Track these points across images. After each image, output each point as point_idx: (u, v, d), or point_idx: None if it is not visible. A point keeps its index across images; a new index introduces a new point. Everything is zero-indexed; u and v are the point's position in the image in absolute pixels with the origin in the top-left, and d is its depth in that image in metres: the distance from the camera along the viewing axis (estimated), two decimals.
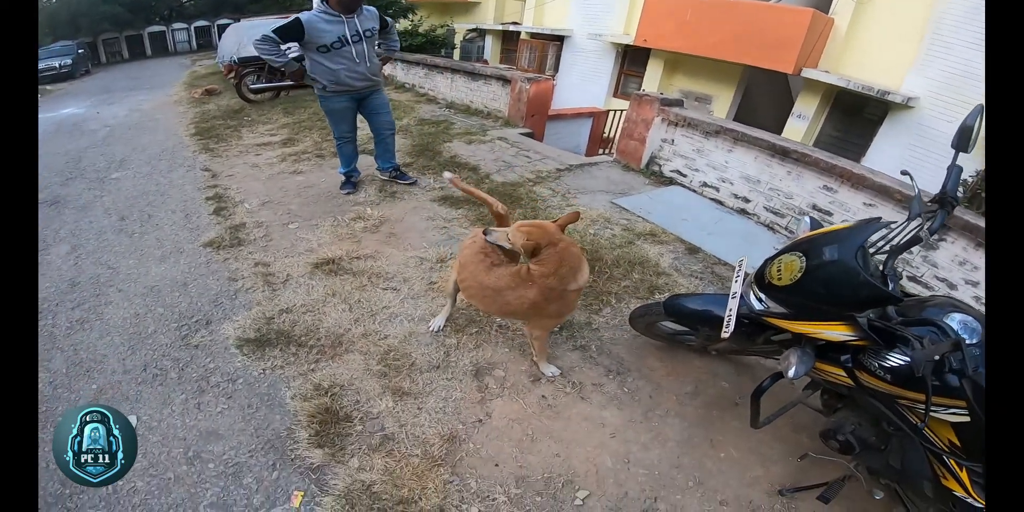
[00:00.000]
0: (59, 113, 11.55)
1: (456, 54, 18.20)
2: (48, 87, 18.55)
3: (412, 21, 14.98)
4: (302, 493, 2.27)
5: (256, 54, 9.93)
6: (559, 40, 16.27)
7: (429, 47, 13.94)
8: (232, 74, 10.24)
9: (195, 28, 34.81)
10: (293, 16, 4.29)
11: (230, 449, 2.49)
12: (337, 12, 4.21)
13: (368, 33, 4.39)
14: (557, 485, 2.24)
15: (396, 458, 2.36)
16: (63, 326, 3.49)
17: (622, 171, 5.68)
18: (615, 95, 15.12)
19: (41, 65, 23.79)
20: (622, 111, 9.22)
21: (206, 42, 33.45)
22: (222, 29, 31.08)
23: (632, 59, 14.63)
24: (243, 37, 12.59)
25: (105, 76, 23.33)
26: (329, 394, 2.70)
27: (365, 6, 4.38)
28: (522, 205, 4.47)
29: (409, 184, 5.28)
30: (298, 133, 7.44)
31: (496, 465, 2.33)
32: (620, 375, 2.77)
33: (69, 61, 24.00)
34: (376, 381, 2.78)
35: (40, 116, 11.78)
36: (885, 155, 10.30)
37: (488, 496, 2.20)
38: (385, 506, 2.16)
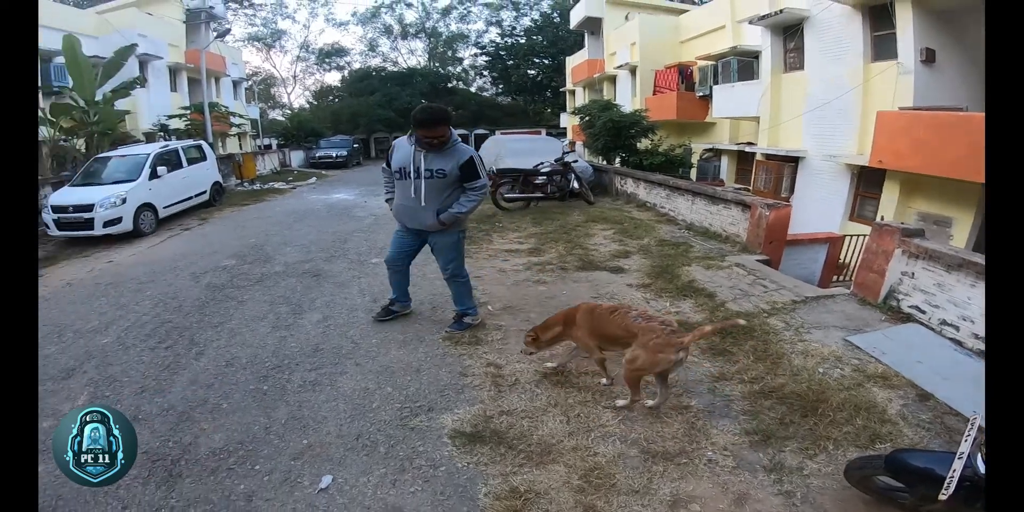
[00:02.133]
0: (331, 197, 13.80)
1: (693, 173, 18.69)
2: (324, 172, 22.29)
3: (652, 141, 15.84)
4: None
5: (513, 166, 10.79)
6: (794, 161, 15.86)
7: (668, 166, 14.51)
8: (490, 182, 11.29)
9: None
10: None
11: None
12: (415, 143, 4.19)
13: (438, 173, 4.21)
14: None
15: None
16: (296, 383, 3.98)
17: (858, 305, 5.22)
18: (851, 218, 14.02)
19: (320, 153, 29.70)
20: (858, 236, 8.61)
21: None
22: (479, 139, 36.76)
23: (867, 180, 13.58)
24: (501, 149, 14.24)
25: (373, 170, 27.60)
26: (523, 499, 2.75)
27: (459, 146, 4.28)
28: (754, 337, 4.40)
29: (462, 330, 4.80)
30: (544, 243, 7.90)
31: None
32: None
33: (344, 153, 29.45)
34: (572, 495, 2.78)
35: (315, 197, 14.21)
36: None
37: None
38: None
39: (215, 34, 25.76)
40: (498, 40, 47.85)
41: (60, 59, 15.81)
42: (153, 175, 11.03)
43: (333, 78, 55.23)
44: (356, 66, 52.40)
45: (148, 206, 10.66)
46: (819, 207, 14.71)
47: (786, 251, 7.60)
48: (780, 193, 15.64)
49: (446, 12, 51.42)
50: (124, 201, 9.99)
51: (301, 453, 3.18)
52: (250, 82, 39.99)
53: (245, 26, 51.46)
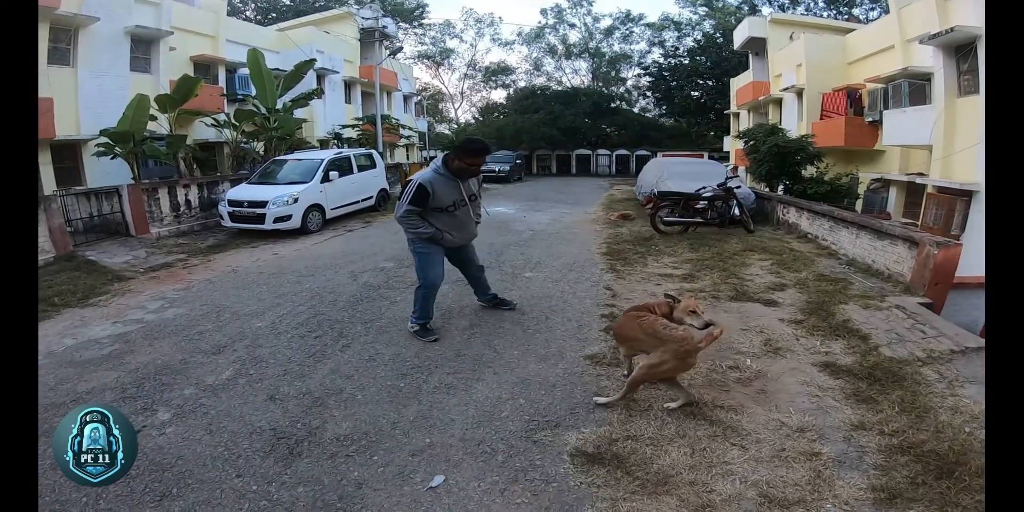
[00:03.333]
0: (491, 209, 14.09)
1: (859, 204, 17.19)
2: (487, 185, 22.97)
3: (818, 168, 14.87)
4: None
5: (674, 189, 10.70)
6: (967, 195, 14.08)
7: (833, 195, 13.63)
8: (650, 205, 11.51)
9: (616, 155, 43.20)
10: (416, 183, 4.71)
11: None
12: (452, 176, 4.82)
13: (474, 195, 5.12)
14: None
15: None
16: (432, 384, 4.12)
17: None
18: None
19: (485, 167, 29.99)
20: None
21: (623, 168, 41.45)
22: (640, 160, 37.67)
23: None
24: (664, 172, 14.01)
25: (534, 185, 28.69)
26: None
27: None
28: (903, 387, 4.13)
29: (510, 309, 5.79)
30: (699, 270, 7.71)
31: None
32: None
33: (507, 167, 30.36)
34: None
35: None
36: None
37: None
38: None
39: (388, 52, 27.59)
40: (661, 61, 47.57)
41: (244, 70, 17.94)
42: (325, 179, 11.97)
43: (499, 95, 56.64)
44: (521, 84, 54.13)
45: (317, 207, 11.60)
46: None
47: (951, 295, 7.14)
48: (951, 230, 14.32)
49: (609, 32, 51.66)
50: (296, 200, 10.95)
51: (421, 451, 3.27)
52: (419, 97, 42.52)
53: (415, 45, 54.61)
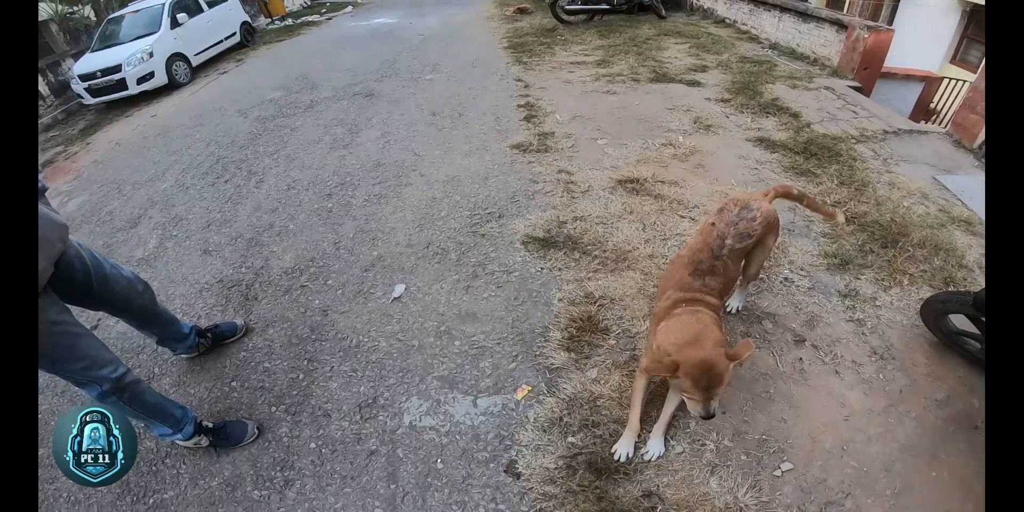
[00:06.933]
0: (371, 22, 13.48)
1: None
2: (360, 0, 21.51)
3: None
4: (529, 388, 2.54)
5: None
6: None
7: None
8: None
9: None
10: None
11: (481, 333, 2.82)
12: None
13: None
14: (768, 450, 2.30)
15: (633, 380, 2.49)
16: (361, 198, 4.10)
17: (952, 146, 5.04)
18: (952, 61, 12.86)
19: None
20: (957, 81, 8.38)
21: None
22: None
23: (979, 21, 12.23)
24: None
25: None
26: (597, 304, 2.88)
27: None
28: (839, 161, 4.36)
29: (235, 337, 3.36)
30: (613, 56, 7.50)
31: (723, 412, 2.42)
32: (883, 360, 2.74)
33: None
34: (646, 302, 2.90)
35: (354, 24, 13.90)
36: None
37: (699, 440, 2.32)
38: (600, 421, 2.37)
39: None
40: None
41: None
42: (174, 24, 10.84)
43: None
44: None
45: (178, 56, 10.60)
46: (918, 43, 13.40)
47: (877, 84, 7.34)
48: (878, 21, 14.23)
49: None
50: (151, 55, 9.96)
51: (372, 265, 3.34)
52: None
53: None
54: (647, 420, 2.34)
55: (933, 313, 2.69)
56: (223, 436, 2.48)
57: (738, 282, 2.55)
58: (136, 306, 2.46)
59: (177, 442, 2.47)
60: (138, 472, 2.49)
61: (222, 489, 2.36)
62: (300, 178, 4.60)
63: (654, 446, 2.29)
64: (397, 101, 6.04)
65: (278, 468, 2.39)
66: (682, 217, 3.56)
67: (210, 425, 2.49)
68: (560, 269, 3.12)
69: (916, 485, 2.25)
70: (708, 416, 1.93)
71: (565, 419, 2.38)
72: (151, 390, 2.33)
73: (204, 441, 2.45)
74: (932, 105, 9.04)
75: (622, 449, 2.33)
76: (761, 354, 2.70)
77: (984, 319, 2.41)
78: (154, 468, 2.50)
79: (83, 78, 9.87)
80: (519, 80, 6.56)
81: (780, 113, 5.24)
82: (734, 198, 2.33)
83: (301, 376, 2.76)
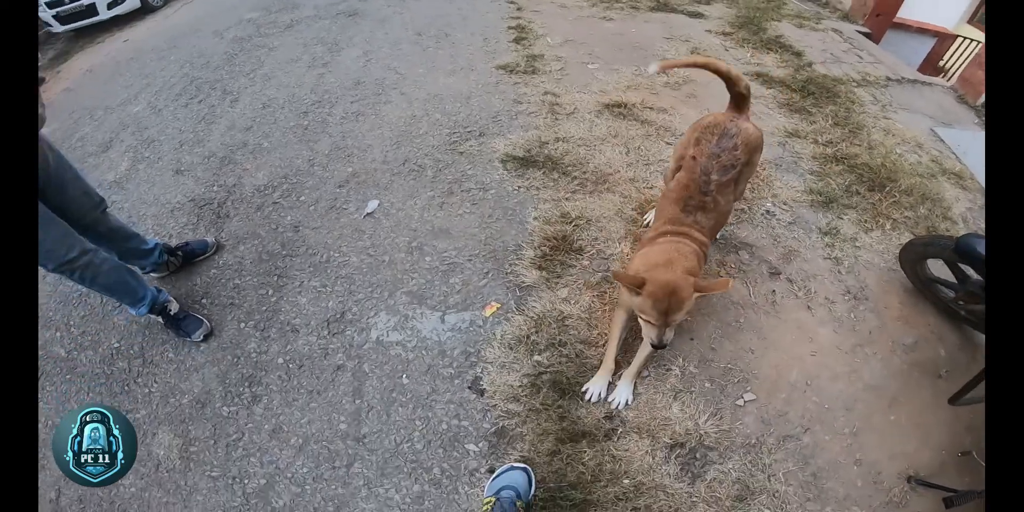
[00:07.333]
0: None
1: None
2: None
3: None
4: (498, 305, 2.55)
5: None
6: None
7: None
8: None
9: None
10: None
11: (453, 249, 2.83)
12: None
13: None
14: (732, 379, 2.35)
15: (604, 301, 2.54)
16: (338, 115, 3.98)
17: (955, 101, 5.06)
18: (970, 21, 12.58)
19: None
20: (972, 42, 8.27)
21: None
22: None
23: None
24: None
25: None
26: (573, 224, 2.89)
27: None
28: (837, 103, 4.32)
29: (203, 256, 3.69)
30: None
31: (691, 339, 2.46)
32: (856, 300, 2.79)
33: None
34: (623, 225, 2.92)
35: None
36: None
37: (665, 365, 2.36)
38: (567, 340, 2.40)
39: None
40: None
41: None
42: None
43: None
44: None
45: None
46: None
47: (888, 33, 7.28)
48: None
49: None
50: None
51: (346, 181, 3.27)
52: None
53: None
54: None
55: (913, 256, 2.73)
56: (178, 327, 2.58)
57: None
58: (89, 219, 2.39)
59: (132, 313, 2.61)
60: (111, 392, 2.50)
61: (192, 406, 2.37)
62: (276, 96, 4.44)
63: (621, 393, 2.28)
64: (382, 20, 5.82)
65: (246, 384, 2.39)
66: (668, 144, 3.52)
67: (173, 311, 2.57)
68: (538, 188, 3.09)
69: (875, 426, 2.32)
70: (660, 345, 1.92)
71: (532, 337, 2.40)
72: (115, 270, 2.37)
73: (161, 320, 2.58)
74: (941, 63, 8.90)
75: (594, 388, 2.32)
76: (734, 284, 2.69)
77: (961, 265, 2.44)
78: (126, 388, 2.50)
79: (50, 5, 9.44)
80: (511, 2, 6.28)
81: (782, 50, 5.16)
82: (709, 124, 2.24)
83: (271, 292, 2.73)
